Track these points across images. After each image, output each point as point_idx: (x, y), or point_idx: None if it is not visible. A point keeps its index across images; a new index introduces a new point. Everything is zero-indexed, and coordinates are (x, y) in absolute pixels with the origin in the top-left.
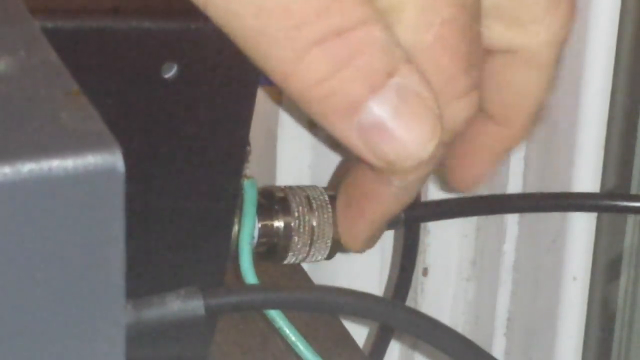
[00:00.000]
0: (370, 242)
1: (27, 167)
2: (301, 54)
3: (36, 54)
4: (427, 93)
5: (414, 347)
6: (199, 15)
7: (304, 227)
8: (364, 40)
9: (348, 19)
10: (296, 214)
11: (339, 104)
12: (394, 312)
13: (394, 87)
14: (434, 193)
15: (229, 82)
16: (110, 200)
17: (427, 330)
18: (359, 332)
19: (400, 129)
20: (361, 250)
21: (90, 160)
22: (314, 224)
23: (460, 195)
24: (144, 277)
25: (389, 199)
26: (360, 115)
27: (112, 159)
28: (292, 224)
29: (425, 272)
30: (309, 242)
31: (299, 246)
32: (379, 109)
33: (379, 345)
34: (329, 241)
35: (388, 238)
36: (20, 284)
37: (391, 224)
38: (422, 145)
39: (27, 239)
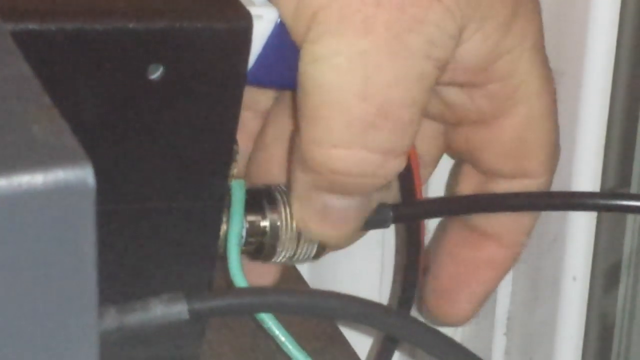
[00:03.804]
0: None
1: None
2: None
3: (7, 66)
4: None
5: (413, 355)
6: (185, 15)
7: (291, 226)
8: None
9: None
10: (283, 214)
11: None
12: (385, 317)
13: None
14: (433, 191)
15: (216, 82)
16: (81, 215)
17: (421, 337)
18: (363, 342)
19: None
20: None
21: (61, 175)
22: None
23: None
24: (131, 279)
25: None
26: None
27: (83, 174)
28: (279, 224)
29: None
30: (296, 242)
31: (285, 245)
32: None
33: (382, 355)
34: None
35: (389, 239)
36: None
37: (380, 223)
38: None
39: None
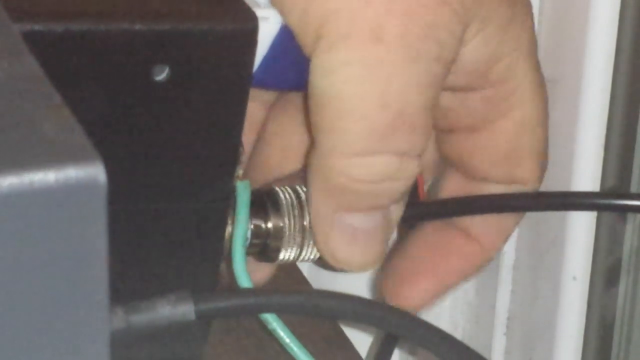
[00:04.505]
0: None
1: (8, 181)
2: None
3: (18, 65)
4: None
5: (413, 352)
6: (190, 17)
7: (295, 226)
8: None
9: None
10: (286, 213)
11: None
12: (389, 317)
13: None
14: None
15: (221, 83)
16: (92, 213)
17: (423, 335)
18: (362, 340)
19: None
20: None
21: (72, 173)
22: (305, 223)
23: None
24: (137, 280)
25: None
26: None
27: (94, 172)
28: (282, 224)
29: None
30: (301, 240)
31: (290, 245)
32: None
33: (382, 354)
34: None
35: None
36: (1, 298)
37: None
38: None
39: (8, 252)
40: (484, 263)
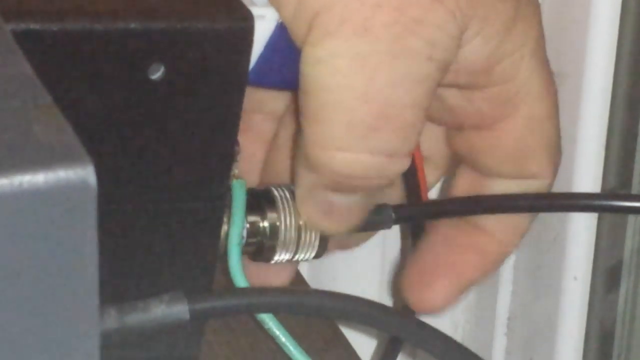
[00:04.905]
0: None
1: None
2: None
3: (8, 65)
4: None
5: (413, 355)
6: (186, 15)
7: (290, 225)
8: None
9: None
10: (282, 213)
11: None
12: (386, 318)
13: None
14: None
15: (217, 82)
16: (82, 215)
17: (423, 337)
18: (361, 341)
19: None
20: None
21: (62, 174)
22: (301, 222)
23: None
24: (132, 279)
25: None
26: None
27: (84, 174)
28: (278, 223)
29: None
30: (296, 240)
31: (285, 245)
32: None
33: (386, 357)
34: (316, 239)
35: (389, 239)
36: None
37: (382, 223)
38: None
39: None
40: (502, 258)
